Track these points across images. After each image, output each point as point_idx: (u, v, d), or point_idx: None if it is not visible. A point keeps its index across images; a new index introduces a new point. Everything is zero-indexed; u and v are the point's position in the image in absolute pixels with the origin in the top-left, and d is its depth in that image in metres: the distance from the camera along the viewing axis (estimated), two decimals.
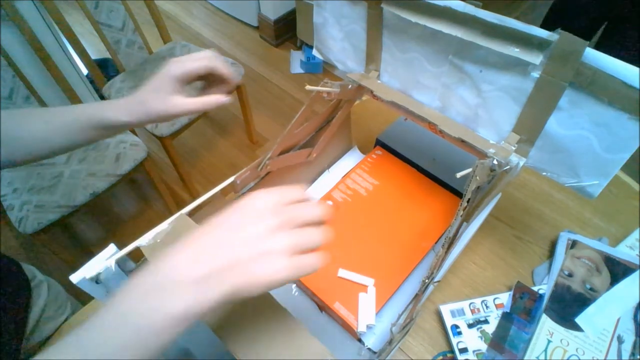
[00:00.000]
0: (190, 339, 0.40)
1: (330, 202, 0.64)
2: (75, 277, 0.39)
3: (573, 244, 0.61)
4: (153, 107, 0.44)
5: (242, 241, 0.26)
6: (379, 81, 0.60)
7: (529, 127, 0.47)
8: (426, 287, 0.46)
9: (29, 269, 0.66)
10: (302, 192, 0.30)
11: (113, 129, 0.47)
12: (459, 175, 0.44)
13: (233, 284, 0.25)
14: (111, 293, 0.41)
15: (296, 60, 1.96)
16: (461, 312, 0.56)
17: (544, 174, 0.50)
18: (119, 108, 0.45)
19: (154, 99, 0.45)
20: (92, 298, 0.42)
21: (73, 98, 1.24)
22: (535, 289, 0.57)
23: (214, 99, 0.46)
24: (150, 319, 0.23)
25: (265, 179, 0.57)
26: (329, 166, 0.72)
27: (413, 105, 0.55)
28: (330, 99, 0.55)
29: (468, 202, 0.45)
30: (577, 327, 0.54)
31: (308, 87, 0.49)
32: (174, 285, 0.24)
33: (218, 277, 0.24)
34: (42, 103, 1.17)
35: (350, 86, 0.57)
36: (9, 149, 0.46)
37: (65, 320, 0.65)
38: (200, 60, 0.45)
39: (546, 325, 0.54)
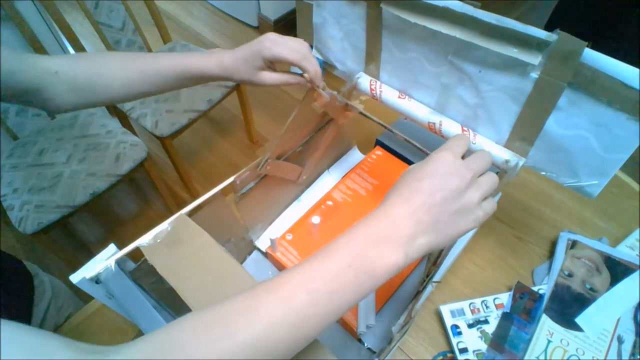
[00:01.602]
0: None
1: (330, 202, 0.64)
2: (75, 277, 0.39)
3: (573, 244, 0.61)
4: (241, 74, 0.49)
5: (448, 209, 0.29)
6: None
7: (528, 127, 0.47)
8: (425, 286, 0.46)
9: (32, 267, 0.66)
10: (467, 139, 0.34)
11: (205, 80, 0.51)
12: None
13: (436, 239, 0.28)
14: (112, 293, 0.41)
15: None
16: (461, 312, 0.56)
17: (543, 173, 0.50)
18: (216, 65, 0.49)
19: (242, 68, 0.49)
20: (91, 298, 0.42)
21: None
22: (535, 289, 0.57)
23: (294, 79, 0.51)
24: (370, 266, 0.26)
25: (264, 179, 0.57)
26: (329, 166, 0.72)
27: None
28: (320, 104, 0.55)
29: None
30: (577, 327, 0.54)
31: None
32: (392, 241, 0.27)
33: (425, 233, 0.28)
34: None
35: (337, 102, 0.57)
36: (90, 92, 0.49)
37: (68, 317, 0.65)
38: (294, 54, 0.47)
39: (546, 325, 0.54)
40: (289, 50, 0.47)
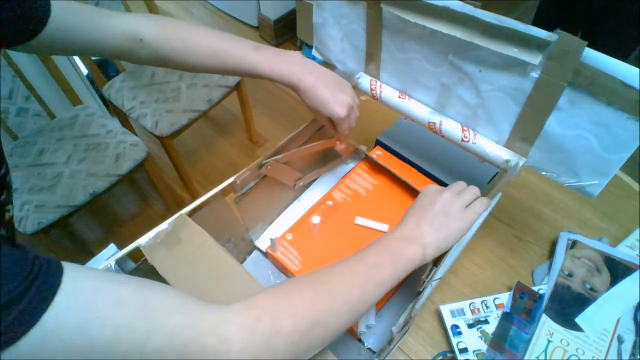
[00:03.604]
0: None
1: (330, 202, 0.64)
2: None
3: (573, 244, 0.61)
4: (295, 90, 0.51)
5: (438, 213, 0.41)
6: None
7: (529, 127, 0.47)
8: (425, 285, 0.46)
9: None
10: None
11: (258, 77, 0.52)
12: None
13: (439, 236, 0.40)
14: None
15: None
16: (461, 312, 0.56)
17: (544, 173, 0.50)
18: (278, 75, 0.49)
19: (300, 92, 0.50)
20: None
21: (73, 98, 1.25)
22: (535, 289, 0.57)
23: (326, 126, 0.55)
24: (399, 252, 0.38)
25: (264, 179, 0.57)
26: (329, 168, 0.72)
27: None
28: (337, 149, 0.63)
29: None
30: (577, 327, 0.54)
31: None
32: (411, 239, 0.39)
33: (430, 234, 0.40)
34: (42, 103, 1.17)
35: (350, 147, 0.65)
36: (170, 61, 0.50)
37: None
38: (337, 116, 0.50)
39: (546, 325, 0.54)
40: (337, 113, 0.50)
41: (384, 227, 0.59)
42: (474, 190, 0.45)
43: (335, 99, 0.49)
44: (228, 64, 0.50)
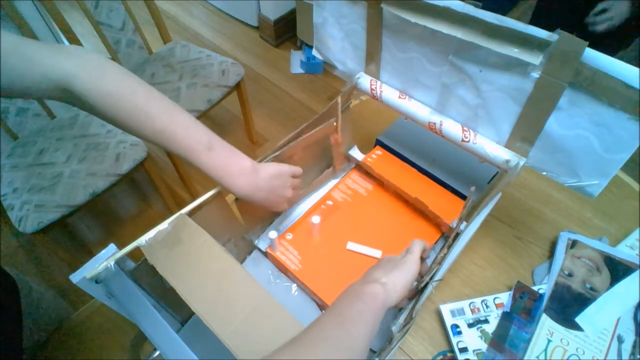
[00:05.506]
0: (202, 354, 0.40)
1: (330, 202, 0.64)
2: (75, 277, 0.39)
3: (573, 244, 0.61)
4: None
5: (384, 262, 0.46)
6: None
7: (529, 127, 0.47)
8: (426, 286, 0.46)
9: (17, 276, 0.65)
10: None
11: None
12: None
13: (390, 275, 0.43)
14: (112, 293, 0.41)
15: (296, 60, 1.95)
16: (461, 312, 0.56)
17: (544, 173, 0.50)
18: (224, 185, 0.52)
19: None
20: (92, 298, 0.42)
21: None
22: (535, 288, 0.57)
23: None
24: (362, 292, 0.40)
25: None
26: (328, 167, 0.72)
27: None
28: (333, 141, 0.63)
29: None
30: (577, 327, 0.54)
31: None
32: (371, 280, 0.42)
33: (383, 276, 0.43)
34: (42, 103, 1.17)
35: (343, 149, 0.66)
36: (132, 119, 0.44)
37: (60, 325, 0.64)
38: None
39: (546, 324, 0.54)
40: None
41: (377, 253, 0.59)
42: (419, 244, 0.49)
43: (275, 205, 0.54)
44: (175, 151, 0.47)
